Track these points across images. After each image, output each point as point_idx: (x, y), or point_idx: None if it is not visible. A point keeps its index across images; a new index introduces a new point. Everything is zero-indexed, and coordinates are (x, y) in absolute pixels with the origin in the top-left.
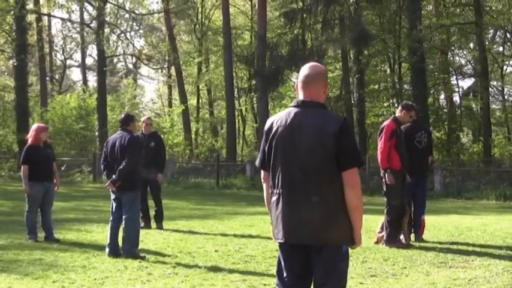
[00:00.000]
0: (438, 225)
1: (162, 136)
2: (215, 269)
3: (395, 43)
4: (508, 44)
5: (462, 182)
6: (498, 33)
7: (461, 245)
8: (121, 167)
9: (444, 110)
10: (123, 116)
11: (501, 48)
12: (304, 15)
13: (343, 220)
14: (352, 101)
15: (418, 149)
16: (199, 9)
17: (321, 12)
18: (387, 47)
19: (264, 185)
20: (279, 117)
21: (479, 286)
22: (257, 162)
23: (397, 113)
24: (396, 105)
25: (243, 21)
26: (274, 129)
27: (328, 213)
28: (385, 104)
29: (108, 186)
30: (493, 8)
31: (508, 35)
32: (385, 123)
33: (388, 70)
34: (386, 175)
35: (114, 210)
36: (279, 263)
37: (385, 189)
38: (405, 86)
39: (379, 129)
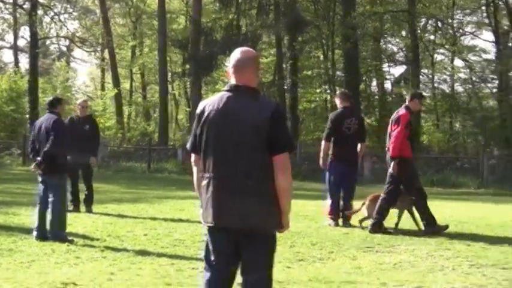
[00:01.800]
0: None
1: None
2: (144, 252)
3: (329, 30)
4: (439, 32)
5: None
6: (430, 21)
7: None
8: (45, 149)
9: (376, 96)
10: (51, 98)
11: (432, 37)
12: (240, 1)
13: (273, 205)
14: (286, 87)
15: (347, 135)
16: None
17: None
18: (321, 33)
19: (195, 169)
20: (211, 101)
21: (403, 270)
22: (188, 146)
23: (408, 102)
24: (329, 91)
25: (178, 5)
26: (206, 113)
27: (257, 198)
28: (318, 90)
29: (33, 169)
30: None
31: (440, 24)
32: (401, 112)
33: (322, 56)
34: (393, 164)
35: (41, 193)
36: (207, 246)
37: (390, 176)
38: (338, 72)
39: (394, 118)
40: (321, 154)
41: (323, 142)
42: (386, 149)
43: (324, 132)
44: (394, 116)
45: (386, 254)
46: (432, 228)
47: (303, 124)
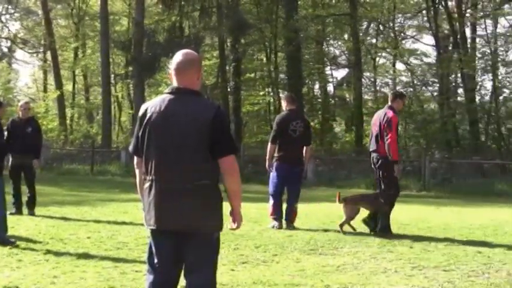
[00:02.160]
0: (310, 213)
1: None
2: (87, 255)
3: (272, 32)
4: (381, 36)
5: (334, 170)
6: (372, 25)
7: (331, 232)
8: None
9: (318, 99)
10: None
11: (374, 40)
12: (183, 3)
13: (215, 207)
14: (229, 89)
15: (292, 138)
16: None
17: (199, 0)
18: (264, 36)
19: (137, 171)
20: (153, 104)
21: (347, 272)
22: (130, 148)
23: (391, 102)
24: (272, 94)
25: (121, 7)
26: (148, 115)
27: (200, 200)
28: (261, 93)
29: None
30: (367, 0)
31: (381, 27)
32: (390, 114)
33: (265, 59)
34: (395, 167)
35: None
36: (150, 249)
37: (383, 179)
38: (281, 75)
39: (383, 120)
40: (267, 156)
41: (269, 144)
42: (372, 150)
43: (270, 134)
44: (380, 117)
45: (330, 256)
46: (387, 234)
47: (246, 127)
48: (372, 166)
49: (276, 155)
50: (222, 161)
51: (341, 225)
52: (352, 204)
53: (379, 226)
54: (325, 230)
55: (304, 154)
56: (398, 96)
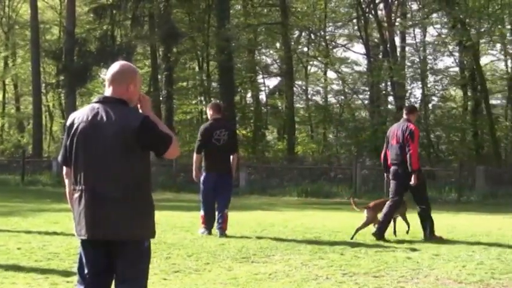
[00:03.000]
0: (242, 221)
1: None
2: (17, 267)
3: (204, 41)
4: (312, 44)
5: (267, 178)
6: (303, 34)
7: (263, 240)
8: None
9: (251, 108)
10: None
11: (306, 49)
12: (114, 11)
13: (146, 216)
14: (161, 98)
15: (217, 147)
16: (6, 2)
17: (131, 9)
18: (196, 45)
19: (66, 181)
20: (81, 113)
21: (279, 280)
22: (59, 158)
23: (406, 116)
24: (204, 102)
25: (52, 16)
26: (76, 125)
27: (130, 210)
28: (194, 102)
29: None
30: (299, 9)
31: (313, 36)
32: (412, 127)
33: (197, 68)
34: (415, 175)
35: None
36: (80, 259)
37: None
38: (213, 84)
39: (408, 131)
40: (193, 167)
41: (194, 155)
42: (395, 162)
43: (195, 144)
44: (403, 129)
45: (262, 264)
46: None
47: (179, 135)
48: (390, 177)
49: (203, 164)
50: (167, 155)
51: (359, 229)
52: (374, 211)
53: (379, 228)
54: (258, 238)
55: (231, 162)
56: (415, 110)
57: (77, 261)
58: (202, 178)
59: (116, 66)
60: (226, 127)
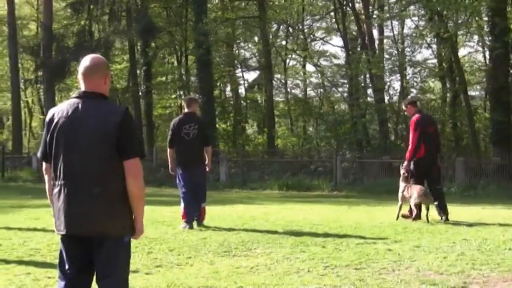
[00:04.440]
0: (223, 215)
1: None
2: None
3: (182, 36)
4: (291, 38)
5: (247, 172)
6: (281, 27)
7: (245, 234)
8: None
9: (230, 102)
10: None
11: (284, 42)
12: (91, 7)
13: (125, 211)
14: (140, 93)
15: (186, 141)
16: None
17: (108, 4)
18: (174, 39)
19: (46, 177)
20: (60, 109)
21: (260, 273)
22: (39, 154)
23: (406, 108)
24: (183, 97)
25: (29, 12)
26: (55, 120)
27: (109, 205)
28: (173, 96)
29: None
30: (276, 2)
31: (291, 29)
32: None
33: (176, 62)
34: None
35: None
36: (60, 255)
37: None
38: (192, 78)
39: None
40: (169, 160)
41: (168, 149)
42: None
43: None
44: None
45: (243, 257)
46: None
47: (158, 130)
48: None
49: (176, 159)
50: (127, 163)
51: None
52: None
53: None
54: (239, 232)
55: (206, 154)
56: (414, 102)
57: (58, 257)
58: (178, 173)
59: (88, 60)
60: (196, 121)
